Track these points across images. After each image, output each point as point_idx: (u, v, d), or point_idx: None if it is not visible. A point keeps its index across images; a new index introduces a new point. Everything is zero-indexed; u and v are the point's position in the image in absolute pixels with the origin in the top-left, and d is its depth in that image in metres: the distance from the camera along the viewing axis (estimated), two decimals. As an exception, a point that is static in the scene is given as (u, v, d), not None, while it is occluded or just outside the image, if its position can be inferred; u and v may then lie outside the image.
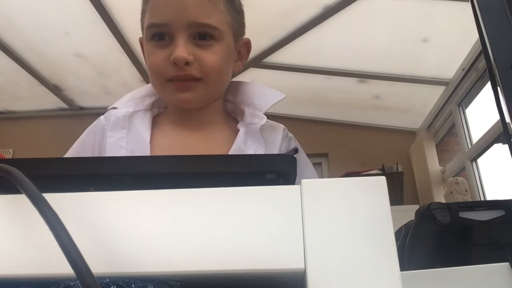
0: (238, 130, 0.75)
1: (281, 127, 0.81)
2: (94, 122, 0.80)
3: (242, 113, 0.78)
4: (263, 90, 0.81)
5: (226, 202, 0.30)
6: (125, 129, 0.75)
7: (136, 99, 0.79)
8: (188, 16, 0.67)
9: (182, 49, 0.67)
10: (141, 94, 0.79)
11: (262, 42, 2.55)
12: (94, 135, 0.77)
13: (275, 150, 0.75)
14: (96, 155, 0.75)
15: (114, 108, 0.78)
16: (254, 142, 0.73)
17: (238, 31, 0.74)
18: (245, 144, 0.72)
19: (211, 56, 0.69)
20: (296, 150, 0.64)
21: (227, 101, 0.81)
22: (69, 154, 0.78)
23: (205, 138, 0.76)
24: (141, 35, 0.77)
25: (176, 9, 0.67)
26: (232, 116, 0.81)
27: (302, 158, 0.79)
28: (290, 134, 0.82)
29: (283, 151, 0.76)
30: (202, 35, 0.69)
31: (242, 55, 0.79)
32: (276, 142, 0.76)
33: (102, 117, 0.79)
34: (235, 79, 0.82)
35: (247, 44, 0.79)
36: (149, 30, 0.71)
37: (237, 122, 0.78)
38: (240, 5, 0.76)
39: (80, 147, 0.78)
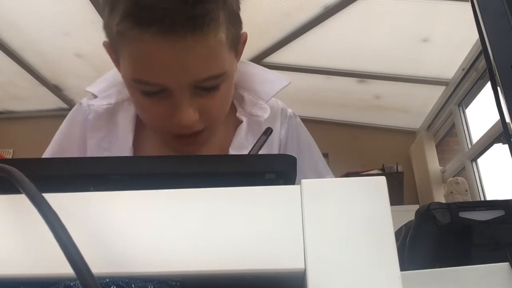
0: (237, 119, 0.69)
1: (278, 109, 0.73)
2: (74, 112, 0.72)
3: (241, 99, 0.70)
4: (266, 74, 0.72)
5: (226, 202, 0.30)
6: (108, 126, 0.67)
7: (118, 86, 0.68)
8: (191, 76, 0.54)
9: (187, 112, 0.55)
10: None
11: (262, 42, 2.56)
12: (78, 127, 0.70)
13: (274, 141, 0.71)
14: (82, 149, 0.68)
15: (93, 95, 0.69)
16: (256, 138, 0.66)
17: (237, 40, 0.62)
18: (246, 139, 0.67)
19: (218, 103, 0.59)
20: (268, 131, 0.60)
21: None
22: (52, 148, 0.71)
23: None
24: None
25: (175, 71, 0.53)
26: None
27: (302, 142, 0.74)
28: (289, 112, 0.75)
29: (283, 137, 0.72)
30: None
31: (240, 52, 0.66)
32: (274, 132, 0.71)
33: (85, 104, 0.70)
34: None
35: (245, 40, 0.65)
36: (136, 84, 0.56)
37: (233, 107, 0.70)
38: (238, 9, 0.60)
39: (64, 141, 0.71)
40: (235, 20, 0.58)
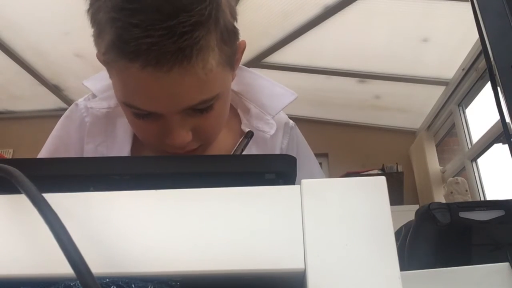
0: (240, 131, 0.68)
1: (282, 122, 0.73)
2: (69, 114, 0.71)
3: (246, 111, 0.69)
4: (273, 88, 0.71)
5: (226, 202, 0.30)
6: (107, 131, 0.66)
7: None
8: (181, 104, 0.52)
9: (180, 134, 0.54)
10: None
11: (262, 42, 2.56)
12: (74, 131, 0.69)
13: (276, 150, 0.71)
14: (78, 153, 0.67)
15: (93, 95, 0.68)
16: (259, 152, 0.66)
17: (234, 54, 0.58)
18: (249, 152, 0.65)
19: (212, 122, 0.57)
20: (249, 135, 0.60)
21: None
22: (46, 153, 0.70)
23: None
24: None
25: (164, 101, 0.51)
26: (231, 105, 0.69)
27: (301, 151, 0.76)
28: (291, 123, 0.76)
29: (284, 147, 0.73)
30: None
31: (238, 61, 0.62)
32: (277, 142, 0.72)
33: (81, 105, 0.69)
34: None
35: (243, 49, 0.63)
36: (126, 106, 0.55)
37: (237, 116, 0.70)
38: (233, 21, 0.56)
39: (59, 145, 0.70)
40: (230, 37, 0.55)
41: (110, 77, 0.56)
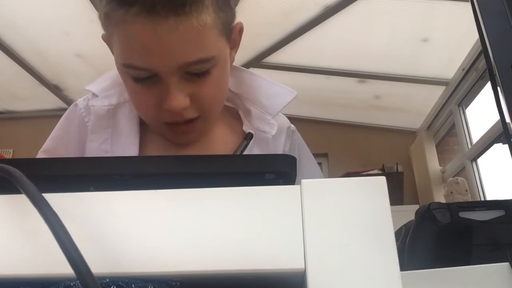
0: (243, 132, 0.68)
1: (284, 125, 0.75)
2: (69, 115, 0.71)
3: (247, 113, 0.70)
4: (272, 87, 0.72)
5: (226, 202, 0.30)
6: (109, 128, 0.66)
7: (120, 86, 0.66)
8: (177, 59, 0.54)
9: (177, 97, 0.55)
10: None
11: (262, 42, 2.56)
12: (73, 132, 0.69)
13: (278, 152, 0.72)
14: (78, 154, 0.68)
15: (93, 95, 0.69)
16: (261, 152, 0.66)
17: (229, 26, 0.60)
18: (251, 152, 0.66)
19: (210, 90, 0.58)
20: (248, 136, 0.62)
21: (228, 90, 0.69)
22: (46, 153, 0.70)
23: (203, 144, 0.67)
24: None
25: (161, 54, 0.53)
26: (232, 107, 0.72)
27: (302, 154, 0.77)
28: (292, 127, 0.77)
29: (287, 150, 0.74)
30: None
31: (236, 42, 0.64)
32: (279, 146, 0.72)
33: (81, 105, 0.70)
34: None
35: (240, 30, 0.65)
36: (126, 69, 0.56)
37: (239, 118, 0.71)
38: None
39: (59, 145, 0.71)
40: (224, 5, 0.57)
41: (112, 45, 0.58)
